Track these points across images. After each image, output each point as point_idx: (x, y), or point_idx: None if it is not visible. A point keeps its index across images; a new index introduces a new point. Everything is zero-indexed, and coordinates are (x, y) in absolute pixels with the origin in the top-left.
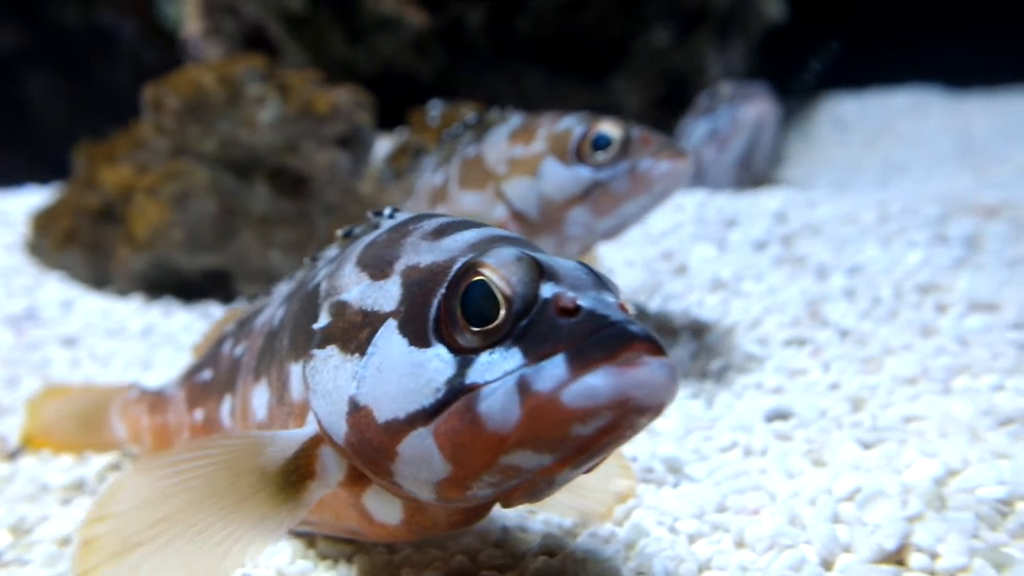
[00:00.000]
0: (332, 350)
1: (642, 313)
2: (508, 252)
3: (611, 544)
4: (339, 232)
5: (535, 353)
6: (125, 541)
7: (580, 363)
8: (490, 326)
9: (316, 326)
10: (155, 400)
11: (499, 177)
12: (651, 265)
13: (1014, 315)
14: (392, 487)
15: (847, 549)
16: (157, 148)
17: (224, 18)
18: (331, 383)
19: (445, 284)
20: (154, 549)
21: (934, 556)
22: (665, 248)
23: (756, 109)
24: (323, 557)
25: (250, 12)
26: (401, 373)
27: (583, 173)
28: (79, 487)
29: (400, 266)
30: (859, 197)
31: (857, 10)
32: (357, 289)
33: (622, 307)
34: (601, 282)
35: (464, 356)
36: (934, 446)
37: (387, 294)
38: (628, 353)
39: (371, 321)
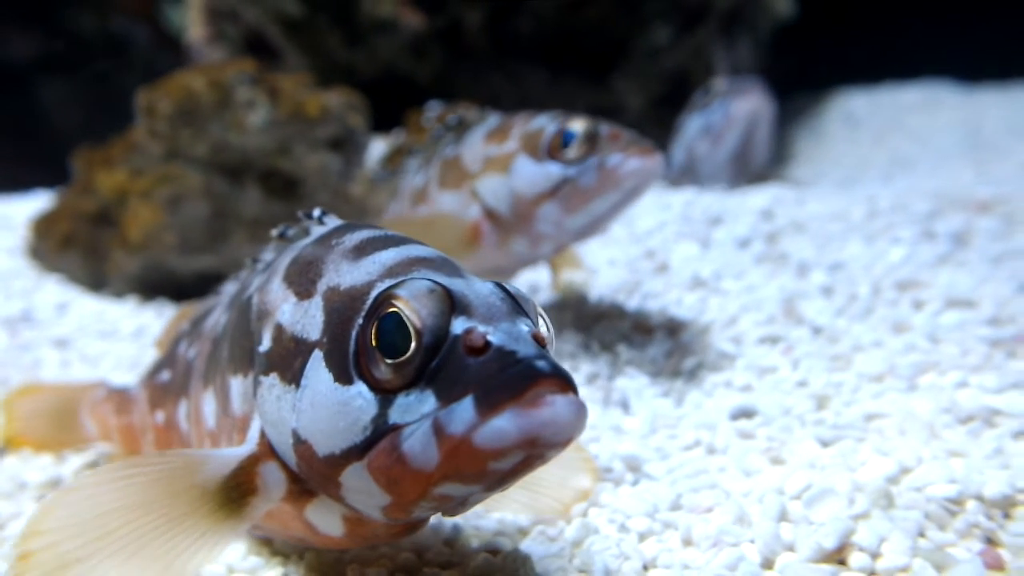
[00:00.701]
0: (274, 379)
1: (620, 312)
2: (420, 284)
3: (558, 542)
4: (273, 232)
5: (446, 396)
6: (62, 557)
7: (487, 406)
8: (402, 358)
9: (260, 349)
10: (121, 400)
11: (474, 176)
12: (633, 264)
13: (990, 311)
14: (348, 508)
15: (790, 548)
16: (151, 152)
17: (226, 23)
18: (276, 413)
19: (362, 315)
20: (91, 565)
21: (875, 556)
22: (648, 247)
23: (749, 103)
24: (275, 554)
25: (250, 17)
26: (331, 411)
27: (553, 169)
28: (55, 485)
29: (322, 286)
30: (850, 194)
31: (869, 4)
32: (288, 310)
33: (536, 336)
34: (517, 308)
35: (384, 396)
36: (891, 444)
37: (312, 320)
38: (534, 391)
39: (301, 350)
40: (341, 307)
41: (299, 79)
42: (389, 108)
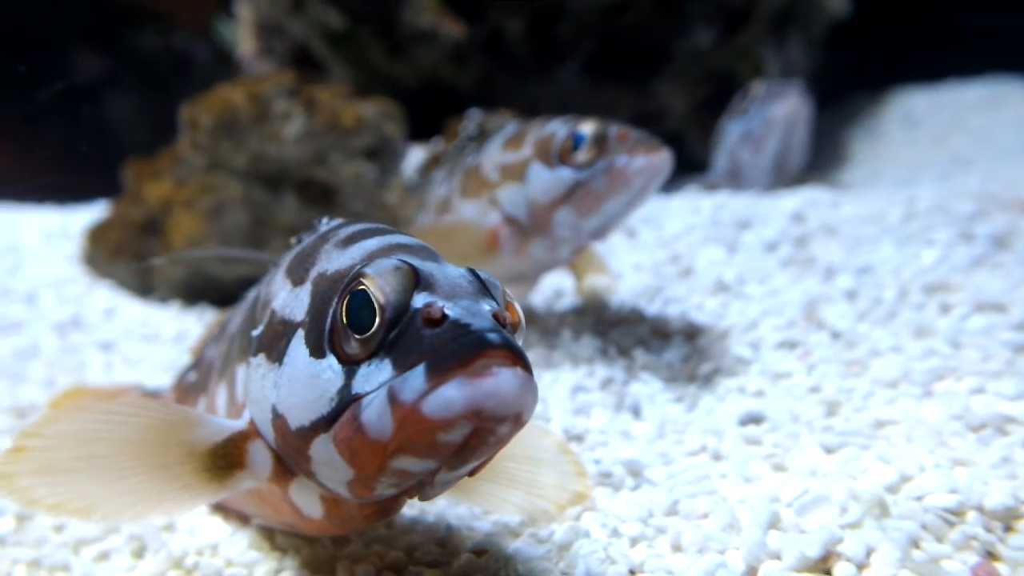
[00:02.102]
0: (261, 358)
1: (639, 317)
2: (386, 263)
3: (545, 544)
4: (292, 239)
5: (402, 364)
6: (51, 462)
7: (437, 373)
8: (367, 333)
9: (253, 333)
10: None
11: (492, 184)
12: (658, 268)
13: (1020, 316)
14: (319, 485)
15: (776, 556)
16: (193, 164)
17: (273, 38)
18: (259, 391)
19: (338, 294)
20: (72, 478)
21: (862, 566)
22: (675, 251)
23: (786, 107)
24: (274, 548)
25: (296, 31)
26: (304, 384)
27: (565, 174)
28: None
29: (313, 274)
30: (887, 195)
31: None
32: (282, 296)
33: (496, 315)
34: (483, 290)
35: (350, 367)
36: (895, 452)
37: (300, 303)
38: (481, 361)
39: (287, 331)
40: (325, 289)
41: (336, 90)
42: (432, 117)
